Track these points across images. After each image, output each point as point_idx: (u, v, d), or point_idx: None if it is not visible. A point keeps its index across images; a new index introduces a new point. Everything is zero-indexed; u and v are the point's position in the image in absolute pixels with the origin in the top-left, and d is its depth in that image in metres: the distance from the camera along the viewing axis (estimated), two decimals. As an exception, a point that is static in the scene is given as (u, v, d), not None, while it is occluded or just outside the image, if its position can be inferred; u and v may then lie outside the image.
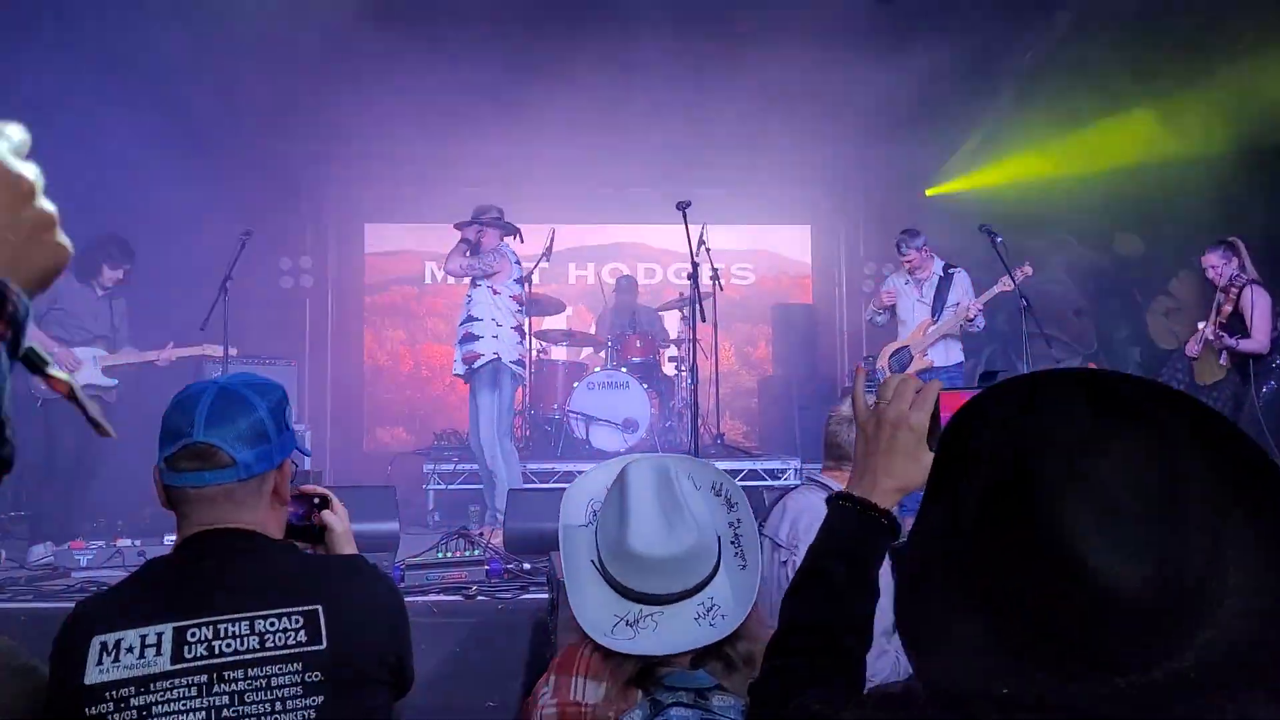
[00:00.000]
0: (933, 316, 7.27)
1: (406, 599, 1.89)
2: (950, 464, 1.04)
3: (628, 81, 8.49)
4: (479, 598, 4.36)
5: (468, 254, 6.94)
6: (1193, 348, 7.10)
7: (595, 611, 1.88)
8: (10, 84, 6.83)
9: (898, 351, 7.43)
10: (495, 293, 6.85)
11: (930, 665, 1.00)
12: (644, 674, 1.84)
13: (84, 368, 6.52)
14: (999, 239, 6.99)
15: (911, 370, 6.95)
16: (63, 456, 6.46)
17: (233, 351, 6.93)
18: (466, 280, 7.05)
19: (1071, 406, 0.95)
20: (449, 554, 4.62)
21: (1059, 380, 1.01)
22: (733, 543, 2.01)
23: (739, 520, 2.04)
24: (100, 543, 5.58)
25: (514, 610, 4.28)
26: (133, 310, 6.99)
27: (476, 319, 6.79)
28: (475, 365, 6.72)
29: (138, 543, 5.52)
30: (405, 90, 8.28)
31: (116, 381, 6.68)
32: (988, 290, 7.11)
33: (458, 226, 7.06)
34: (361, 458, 10.43)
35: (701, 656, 1.87)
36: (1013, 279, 6.94)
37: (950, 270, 7.31)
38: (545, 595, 4.07)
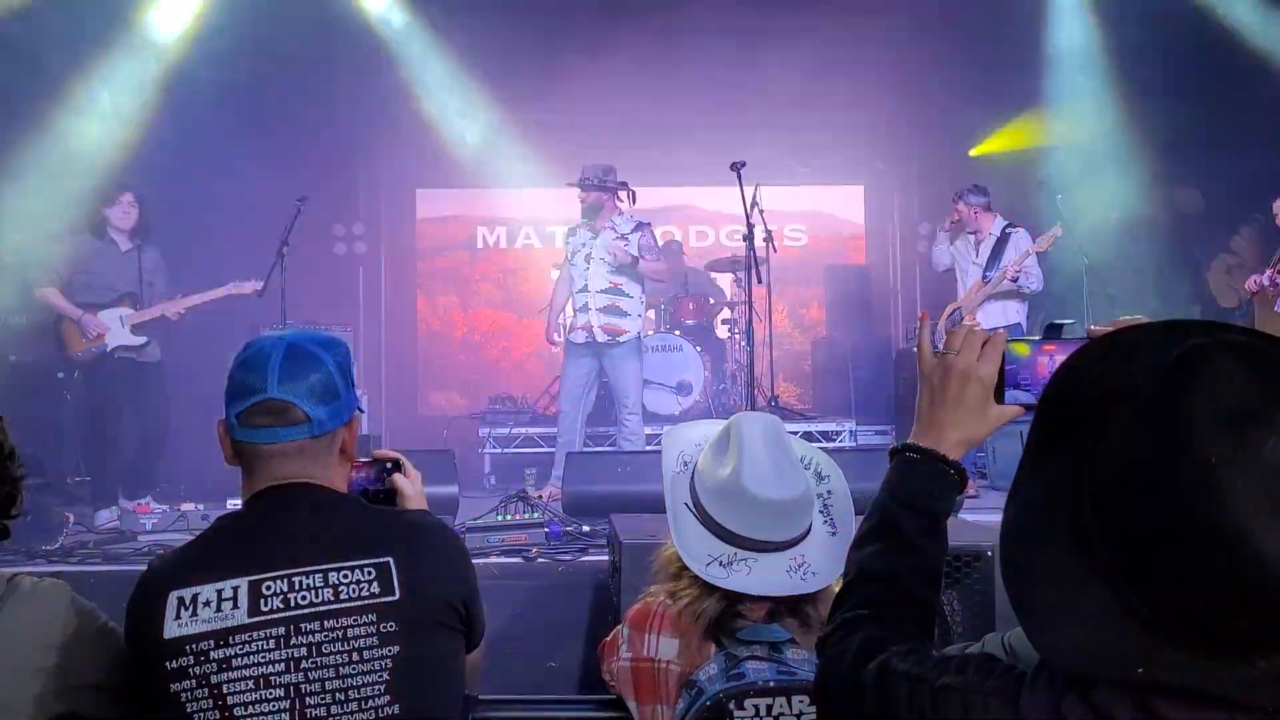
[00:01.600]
0: (983, 277, 7.17)
1: (466, 561, 1.90)
2: (1067, 422, 0.98)
3: (678, 42, 8.42)
4: (539, 560, 4.39)
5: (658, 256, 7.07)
6: (1254, 283, 6.94)
7: (692, 546, 1.91)
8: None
9: (953, 312, 7.35)
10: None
11: (1051, 642, 0.96)
12: (718, 628, 1.86)
13: (112, 330, 6.36)
14: (1059, 197, 6.87)
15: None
16: (109, 423, 6.43)
17: (290, 322, 6.91)
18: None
19: (1231, 373, 0.89)
20: (509, 516, 4.65)
21: (1205, 338, 0.94)
22: (821, 512, 2.03)
23: (829, 492, 2.06)
24: (164, 507, 5.69)
25: (574, 572, 4.32)
26: (187, 274, 7.00)
27: (628, 295, 6.93)
28: (620, 339, 6.87)
29: (201, 506, 5.63)
30: (452, 54, 8.27)
31: (147, 339, 6.48)
32: (1024, 251, 6.96)
33: (582, 187, 7.02)
34: (417, 422, 10.50)
35: (778, 612, 1.88)
36: (1059, 224, 6.81)
37: (1008, 231, 7.16)
38: (606, 557, 4.08)
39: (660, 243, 10.71)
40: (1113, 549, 0.90)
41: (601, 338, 6.85)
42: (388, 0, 8.66)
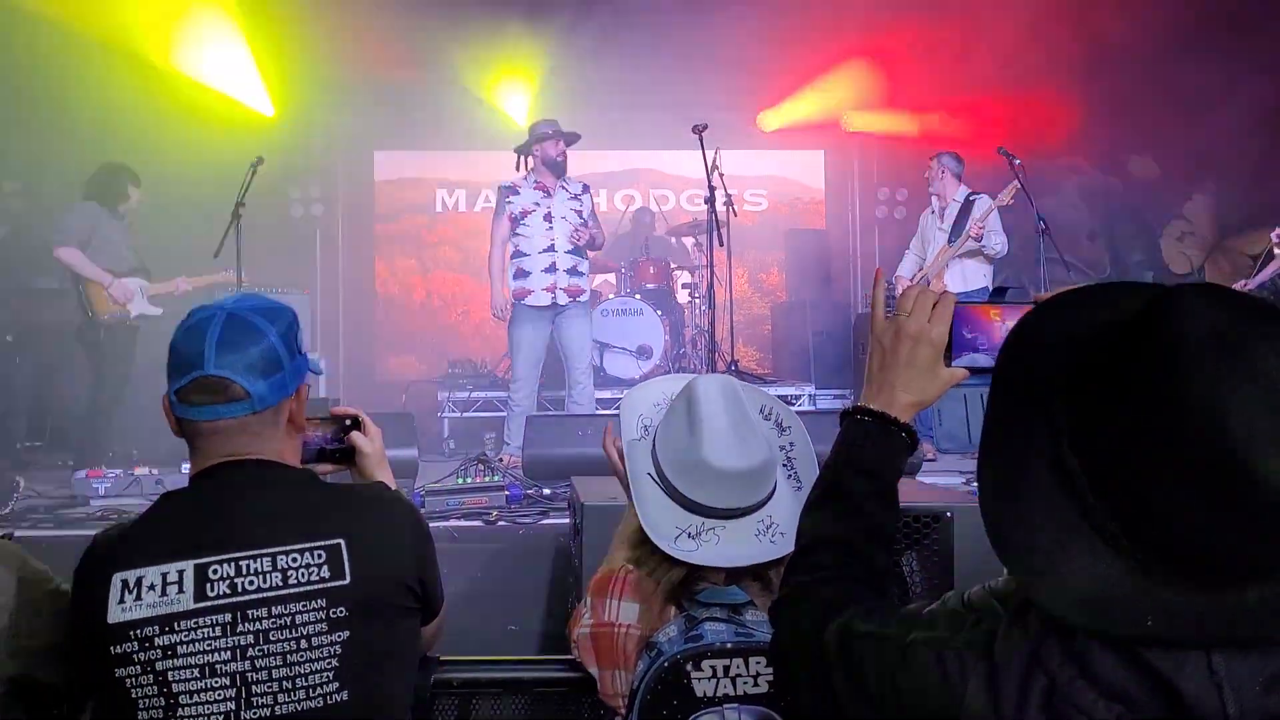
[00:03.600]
0: (949, 242, 7.23)
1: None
2: (1034, 374, 0.98)
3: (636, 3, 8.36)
4: (500, 523, 4.39)
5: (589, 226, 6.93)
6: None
7: (659, 521, 1.88)
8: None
9: (915, 280, 7.42)
10: None
11: (1052, 598, 0.94)
12: (678, 591, 1.85)
13: (136, 299, 6.41)
14: (1018, 161, 6.91)
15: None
16: (109, 388, 6.43)
17: (245, 281, 6.81)
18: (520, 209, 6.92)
19: (1202, 305, 0.88)
20: (469, 479, 4.64)
21: (1164, 287, 0.94)
22: (784, 465, 2.00)
23: (791, 444, 2.03)
24: (117, 471, 5.61)
25: (535, 535, 4.32)
26: (147, 240, 6.91)
27: (582, 257, 6.90)
28: (580, 299, 6.86)
29: (154, 471, 5.56)
30: (409, 15, 8.16)
31: (162, 310, 6.53)
32: (986, 209, 7.02)
33: (567, 140, 6.94)
34: (375, 387, 10.41)
35: (738, 575, 1.87)
36: (1015, 180, 6.87)
37: (972, 198, 7.23)
38: (566, 520, 4.07)
39: (626, 208, 10.79)
40: (1103, 489, 0.91)
41: (564, 300, 6.75)
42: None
